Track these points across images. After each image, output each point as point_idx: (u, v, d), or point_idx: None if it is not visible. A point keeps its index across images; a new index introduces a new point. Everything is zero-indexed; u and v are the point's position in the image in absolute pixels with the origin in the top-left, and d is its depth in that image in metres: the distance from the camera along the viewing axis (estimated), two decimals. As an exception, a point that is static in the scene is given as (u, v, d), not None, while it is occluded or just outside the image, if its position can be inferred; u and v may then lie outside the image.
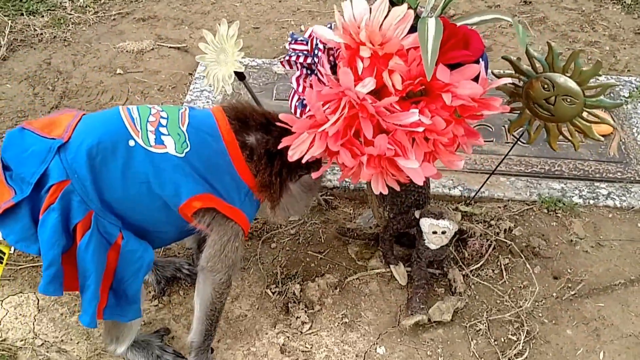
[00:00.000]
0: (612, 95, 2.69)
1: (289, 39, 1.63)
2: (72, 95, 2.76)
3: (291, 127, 1.41)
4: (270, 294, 1.91)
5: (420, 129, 1.35)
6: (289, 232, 2.10)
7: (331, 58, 1.53)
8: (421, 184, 1.41)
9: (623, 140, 2.47)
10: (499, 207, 2.17)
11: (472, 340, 1.78)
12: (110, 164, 1.44)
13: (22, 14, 3.27)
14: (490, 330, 1.80)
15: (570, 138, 1.75)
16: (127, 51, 3.02)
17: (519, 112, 1.78)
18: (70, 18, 3.26)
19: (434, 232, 1.80)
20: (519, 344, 1.76)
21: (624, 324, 1.82)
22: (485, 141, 2.44)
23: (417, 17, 1.43)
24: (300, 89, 1.61)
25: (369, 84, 1.32)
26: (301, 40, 1.60)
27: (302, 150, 1.43)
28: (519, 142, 2.17)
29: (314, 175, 1.53)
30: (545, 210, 2.16)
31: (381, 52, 1.34)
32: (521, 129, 1.82)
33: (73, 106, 2.72)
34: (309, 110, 1.42)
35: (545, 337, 1.79)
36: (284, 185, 1.62)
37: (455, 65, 1.40)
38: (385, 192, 1.46)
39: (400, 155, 1.38)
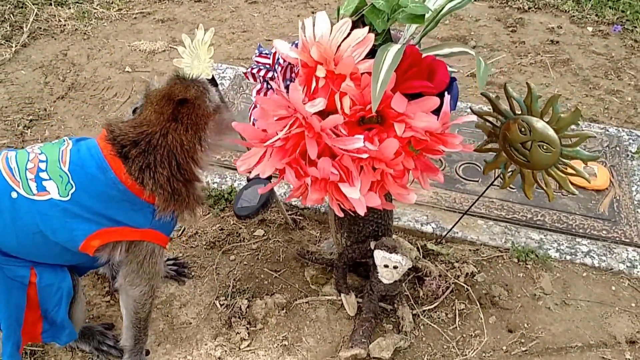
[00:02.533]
0: (618, 148, 2.59)
1: (256, 51, 1.61)
2: (79, 88, 2.85)
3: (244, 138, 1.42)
4: (218, 305, 1.91)
5: (365, 156, 1.32)
6: (250, 247, 2.11)
7: (293, 75, 1.52)
8: (362, 213, 1.39)
9: (617, 197, 2.37)
10: (469, 250, 2.11)
11: (406, 381, 1.74)
12: None
13: (50, 4, 3.40)
14: (427, 375, 1.76)
15: (544, 188, 1.69)
16: (140, 50, 3.10)
17: (495, 153, 1.71)
18: (95, 13, 3.38)
19: (386, 266, 1.77)
20: (455, 392, 1.71)
21: (568, 388, 1.74)
22: (470, 181, 2.41)
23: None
24: None
25: (319, 104, 1.31)
26: (266, 54, 1.59)
27: (251, 163, 1.43)
28: (508, 188, 2.13)
29: (260, 190, 1.54)
30: (515, 260, 2.09)
31: (335, 72, 1.32)
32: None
33: (78, 98, 2.80)
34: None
35: (481, 389, 1.74)
36: (193, 179, 1.56)
37: (417, 96, 1.36)
38: (341, 215, 1.45)
39: (345, 181, 1.36)
